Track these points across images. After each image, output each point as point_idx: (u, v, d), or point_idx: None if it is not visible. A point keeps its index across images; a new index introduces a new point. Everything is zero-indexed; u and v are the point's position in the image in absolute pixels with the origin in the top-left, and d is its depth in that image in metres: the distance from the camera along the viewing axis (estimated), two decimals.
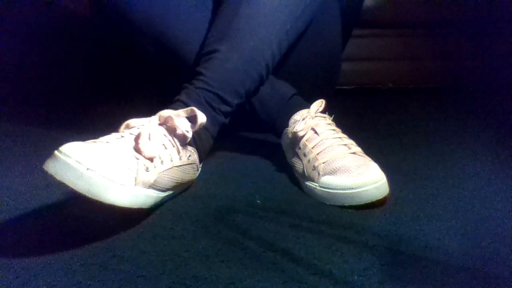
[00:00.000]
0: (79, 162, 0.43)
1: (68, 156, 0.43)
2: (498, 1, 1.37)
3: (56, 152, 0.44)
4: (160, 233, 0.51)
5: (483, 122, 1.05)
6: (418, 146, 0.85)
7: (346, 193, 0.56)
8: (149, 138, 0.51)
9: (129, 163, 0.48)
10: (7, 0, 1.29)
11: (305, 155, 0.63)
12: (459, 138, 0.91)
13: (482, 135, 0.93)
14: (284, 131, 0.69)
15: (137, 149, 0.49)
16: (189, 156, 0.58)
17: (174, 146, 0.54)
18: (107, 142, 0.49)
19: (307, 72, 0.83)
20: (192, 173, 0.60)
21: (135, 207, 0.49)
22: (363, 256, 0.45)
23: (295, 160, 0.66)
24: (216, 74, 0.63)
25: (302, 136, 0.64)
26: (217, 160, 0.77)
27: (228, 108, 0.64)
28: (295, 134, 0.66)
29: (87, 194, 0.44)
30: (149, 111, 0.61)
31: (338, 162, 0.59)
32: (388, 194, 0.57)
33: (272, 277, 0.42)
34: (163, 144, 0.53)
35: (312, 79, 0.84)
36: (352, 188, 0.56)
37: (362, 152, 0.62)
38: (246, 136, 0.92)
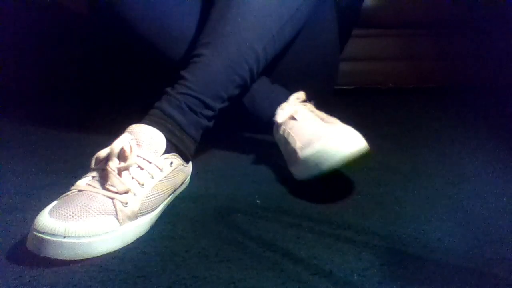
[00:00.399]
0: (53, 234, 0.43)
1: (41, 232, 0.43)
2: (498, 1, 1.37)
3: (32, 231, 0.44)
4: (160, 233, 0.51)
5: (483, 122, 1.05)
6: (418, 146, 0.85)
7: (320, 156, 0.57)
8: (120, 170, 0.50)
9: (104, 208, 0.47)
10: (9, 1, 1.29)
11: (289, 143, 0.65)
12: (459, 138, 0.91)
13: (482, 135, 0.93)
14: (274, 129, 0.71)
15: (107, 189, 0.48)
16: (171, 163, 0.56)
17: (150, 163, 0.53)
18: (78, 191, 0.48)
19: (305, 73, 0.83)
20: (182, 175, 0.60)
21: (130, 242, 0.49)
22: (363, 256, 0.45)
23: (286, 155, 0.68)
24: (198, 78, 0.63)
25: (284, 125, 0.67)
26: (217, 160, 0.77)
27: (210, 112, 0.64)
28: (278, 126, 0.68)
29: (76, 259, 0.44)
30: (147, 111, 0.61)
31: (311, 134, 0.60)
32: (368, 150, 0.57)
33: (272, 277, 0.42)
34: (138, 166, 0.51)
35: (310, 80, 0.84)
36: (326, 151, 0.56)
37: (340, 122, 0.63)
38: (246, 136, 0.92)
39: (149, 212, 0.52)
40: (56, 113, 1.20)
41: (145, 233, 0.51)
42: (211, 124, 0.65)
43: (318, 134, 0.59)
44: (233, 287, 0.40)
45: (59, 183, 0.66)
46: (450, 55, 1.46)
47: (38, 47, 1.36)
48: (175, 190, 0.59)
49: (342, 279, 0.41)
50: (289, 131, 0.65)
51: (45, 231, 0.43)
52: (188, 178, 0.64)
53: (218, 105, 0.64)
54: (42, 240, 0.43)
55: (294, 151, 0.62)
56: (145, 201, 0.51)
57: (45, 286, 0.41)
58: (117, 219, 0.47)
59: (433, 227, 0.52)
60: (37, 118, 1.12)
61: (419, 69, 1.48)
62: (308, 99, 0.73)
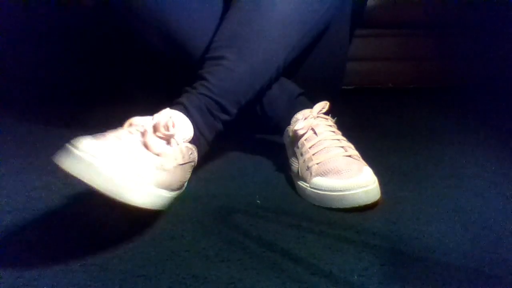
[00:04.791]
0: (99, 160, 0.40)
1: (85, 151, 0.40)
2: (498, 1, 1.37)
3: (70, 146, 0.41)
4: (160, 233, 0.51)
5: (483, 122, 1.05)
6: (418, 146, 0.85)
7: (334, 195, 0.56)
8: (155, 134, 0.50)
9: (146, 162, 0.46)
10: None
11: (301, 155, 0.63)
12: (459, 138, 0.91)
13: (482, 135, 0.93)
14: (286, 129, 0.69)
15: (145, 146, 0.48)
16: (191, 154, 0.57)
17: (178, 144, 0.53)
18: (118, 138, 0.46)
19: (314, 74, 0.82)
20: (189, 172, 0.60)
21: (155, 208, 0.47)
22: (363, 256, 0.45)
23: (292, 159, 0.67)
24: (221, 82, 0.62)
25: (302, 135, 0.65)
26: (218, 160, 0.77)
27: (227, 117, 0.64)
28: (295, 132, 0.66)
29: (107, 193, 0.41)
30: (152, 110, 0.61)
31: (331, 164, 0.59)
32: (379, 199, 0.57)
33: (272, 277, 0.42)
34: (169, 144, 0.52)
35: (319, 81, 0.84)
36: (341, 191, 0.55)
37: (359, 155, 0.62)
38: (246, 136, 0.92)
39: (170, 191, 0.51)
40: (56, 113, 1.20)
41: (145, 233, 0.51)
42: (223, 129, 0.65)
43: (334, 166, 0.58)
44: (233, 287, 0.40)
45: (59, 183, 0.66)
46: (450, 55, 1.46)
47: (39, 47, 1.36)
48: (183, 186, 0.59)
49: (342, 279, 0.41)
50: (305, 143, 0.64)
51: (95, 155, 0.40)
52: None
53: (235, 111, 0.64)
54: (84, 162, 0.40)
55: (306, 169, 0.61)
56: (173, 175, 0.51)
57: (45, 286, 0.41)
58: (154, 178, 0.46)
59: (433, 227, 0.52)
60: (37, 118, 1.12)
61: (419, 69, 1.48)
62: (310, 99, 0.72)
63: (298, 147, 0.65)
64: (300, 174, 0.62)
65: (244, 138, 0.91)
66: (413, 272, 0.43)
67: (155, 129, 0.51)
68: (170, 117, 0.53)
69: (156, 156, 0.48)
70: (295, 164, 0.65)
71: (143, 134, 0.50)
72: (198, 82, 0.63)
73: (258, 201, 0.59)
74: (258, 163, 0.76)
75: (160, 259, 0.45)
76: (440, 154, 0.80)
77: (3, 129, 0.99)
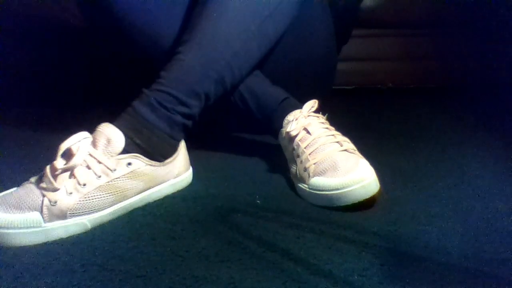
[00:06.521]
0: None
1: None
2: (498, 1, 1.37)
3: None
4: (160, 233, 0.51)
5: (483, 122, 1.05)
6: (418, 146, 0.85)
7: (333, 194, 0.56)
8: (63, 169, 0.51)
9: (33, 203, 0.49)
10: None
11: (298, 156, 0.63)
12: (459, 138, 0.91)
13: (482, 135, 0.93)
14: (280, 132, 0.69)
15: (40, 187, 0.51)
16: (129, 164, 0.55)
17: (100, 163, 0.53)
18: (29, 183, 0.52)
19: (300, 76, 0.82)
20: (149, 176, 0.58)
21: (55, 239, 0.50)
22: (363, 256, 0.45)
23: (290, 162, 0.66)
24: (171, 74, 0.62)
25: (295, 136, 0.64)
26: (217, 160, 0.77)
27: (185, 109, 0.62)
28: (288, 134, 0.65)
29: None
30: None
31: (327, 161, 0.59)
32: (378, 192, 0.56)
33: (272, 277, 0.42)
34: (87, 166, 0.52)
35: (306, 82, 0.83)
36: (338, 189, 0.55)
37: (355, 149, 0.62)
38: (246, 136, 0.92)
39: (90, 213, 0.52)
40: (56, 113, 1.20)
41: (145, 233, 0.51)
42: (189, 123, 0.63)
43: (331, 164, 0.58)
44: (233, 287, 0.40)
45: None
46: (450, 55, 1.46)
47: (38, 47, 1.36)
48: (141, 192, 0.58)
49: (342, 279, 0.41)
50: (300, 143, 0.63)
51: None
52: (187, 176, 0.64)
53: (193, 102, 0.62)
54: None
55: (303, 170, 0.61)
56: (84, 201, 0.51)
57: (45, 286, 0.41)
58: (42, 216, 0.49)
59: (433, 227, 0.52)
60: (37, 118, 1.12)
61: (419, 69, 1.48)
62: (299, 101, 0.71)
63: (294, 149, 0.65)
64: (298, 176, 0.62)
65: (244, 138, 0.92)
66: (413, 272, 0.43)
67: (57, 157, 0.52)
68: (79, 141, 0.53)
69: (47, 192, 0.50)
70: (293, 166, 0.65)
71: (43, 173, 0.52)
72: (155, 81, 0.63)
73: (258, 201, 0.59)
74: (258, 163, 0.76)
75: (160, 259, 0.45)
76: (440, 154, 0.80)
77: (3, 129, 0.99)
